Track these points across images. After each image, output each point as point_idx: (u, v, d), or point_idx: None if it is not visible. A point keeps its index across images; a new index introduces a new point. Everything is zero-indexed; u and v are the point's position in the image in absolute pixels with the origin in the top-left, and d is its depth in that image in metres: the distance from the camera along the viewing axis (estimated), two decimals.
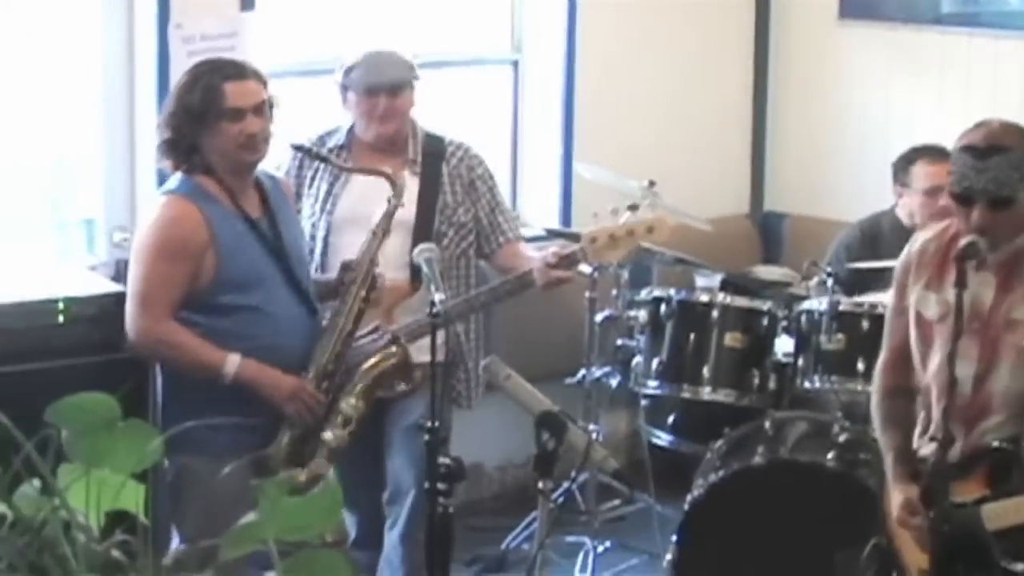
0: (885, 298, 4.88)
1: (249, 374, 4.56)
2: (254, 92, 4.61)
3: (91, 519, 2.14)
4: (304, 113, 5.70)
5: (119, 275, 5.70)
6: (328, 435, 4.65)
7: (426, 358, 4.46)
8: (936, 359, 4.14)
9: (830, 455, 5.25)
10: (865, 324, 5.52)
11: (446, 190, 5.25)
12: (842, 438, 5.30)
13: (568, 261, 5.02)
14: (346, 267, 4.85)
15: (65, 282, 5.16)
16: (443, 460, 4.24)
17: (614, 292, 6.08)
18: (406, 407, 5.04)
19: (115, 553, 2.11)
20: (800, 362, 5.68)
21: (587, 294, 6.02)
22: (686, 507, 5.36)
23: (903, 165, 5.99)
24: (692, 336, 5.80)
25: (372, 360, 4.76)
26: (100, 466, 2.16)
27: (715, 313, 5.79)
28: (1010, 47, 6.74)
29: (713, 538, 5.29)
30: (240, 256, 4.60)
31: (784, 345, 5.77)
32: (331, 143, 5.27)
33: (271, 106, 4.66)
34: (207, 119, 4.56)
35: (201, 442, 4.04)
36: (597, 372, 6.13)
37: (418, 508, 4.88)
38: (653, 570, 5.88)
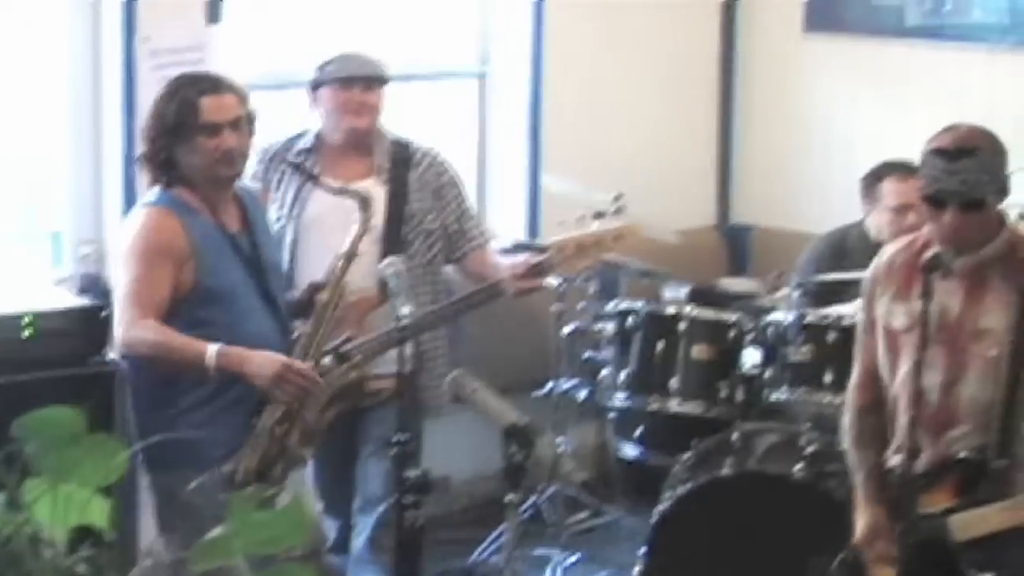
0: (851, 309, 4.90)
1: (229, 361, 4.46)
2: (231, 107, 4.59)
3: (57, 534, 2.13)
4: (271, 126, 5.69)
5: (85, 289, 5.68)
6: (292, 450, 4.61)
7: (393, 369, 4.45)
8: (903, 369, 4.16)
9: (798, 467, 5.26)
10: (832, 336, 5.53)
11: (414, 198, 5.26)
12: (810, 449, 5.31)
13: (537, 271, 5.03)
14: (314, 288, 4.83)
15: (31, 296, 5.14)
16: (411, 473, 4.23)
17: (581, 304, 6.09)
18: (378, 416, 5.03)
19: (81, 568, 2.11)
20: (768, 374, 5.69)
21: (554, 307, 6.03)
22: (654, 519, 5.36)
23: (872, 181, 5.94)
24: (660, 348, 5.80)
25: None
26: (66, 480, 2.15)
27: (682, 325, 5.80)
28: (974, 60, 6.78)
29: (682, 550, 5.29)
30: (218, 268, 4.57)
31: (752, 357, 5.77)
32: (299, 146, 5.28)
33: (251, 121, 4.65)
34: (183, 133, 4.54)
35: (183, 458, 4.01)
36: (565, 384, 6.13)
37: (386, 519, 4.87)
38: None
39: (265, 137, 5.24)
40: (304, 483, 4.90)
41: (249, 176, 5.03)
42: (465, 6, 6.96)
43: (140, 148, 4.67)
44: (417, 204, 5.25)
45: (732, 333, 5.80)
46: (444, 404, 5.31)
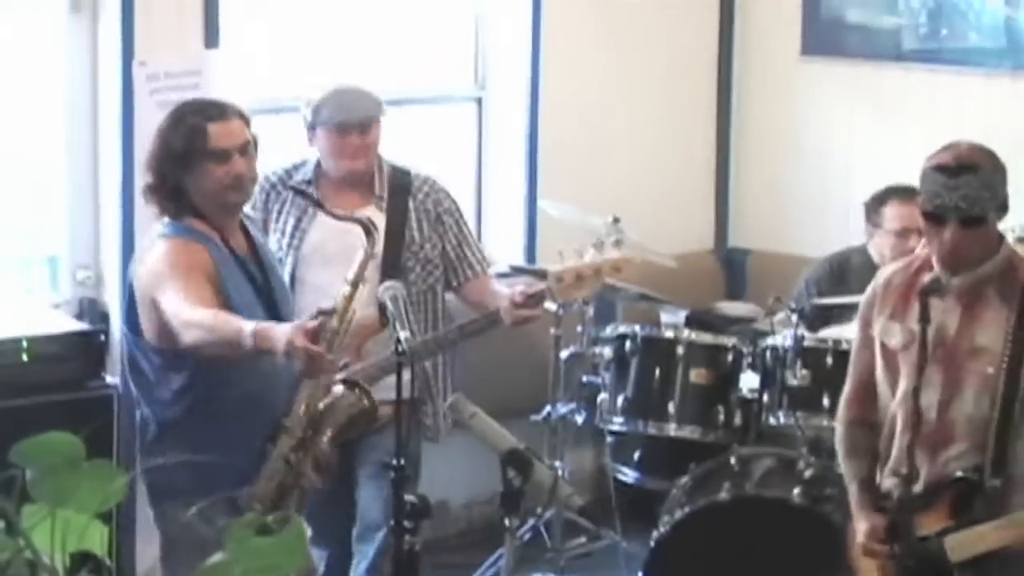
0: (849, 333, 4.90)
1: (259, 338, 4.28)
2: (238, 132, 4.54)
3: (56, 560, 2.13)
4: (269, 150, 5.69)
5: (82, 313, 5.69)
6: (304, 478, 4.57)
7: (392, 395, 4.44)
8: (903, 386, 4.17)
9: (796, 490, 5.26)
10: (830, 360, 5.54)
11: (412, 226, 5.26)
12: (807, 473, 5.31)
13: (535, 300, 5.04)
14: (322, 314, 4.79)
15: (29, 320, 5.14)
16: (409, 498, 4.23)
17: (579, 329, 6.08)
18: (374, 443, 5.01)
19: None
20: (765, 398, 5.69)
21: (552, 331, 6.02)
22: (652, 543, 5.36)
23: (875, 205, 5.94)
24: (657, 372, 5.81)
25: (328, 400, 4.65)
26: (65, 506, 2.15)
27: (680, 349, 5.80)
28: (971, 84, 6.79)
29: (679, 574, 5.28)
30: (235, 296, 4.50)
31: (749, 381, 5.78)
32: (299, 176, 5.27)
33: (255, 145, 4.61)
34: (191, 161, 4.47)
35: (188, 488, 3.96)
36: (562, 409, 6.12)
37: (387, 546, 4.85)
38: None
39: (263, 162, 5.25)
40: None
41: (248, 207, 5.03)
42: (462, 30, 6.98)
43: (144, 179, 4.59)
44: (416, 232, 5.26)
45: (730, 357, 5.80)
46: (444, 432, 5.30)
